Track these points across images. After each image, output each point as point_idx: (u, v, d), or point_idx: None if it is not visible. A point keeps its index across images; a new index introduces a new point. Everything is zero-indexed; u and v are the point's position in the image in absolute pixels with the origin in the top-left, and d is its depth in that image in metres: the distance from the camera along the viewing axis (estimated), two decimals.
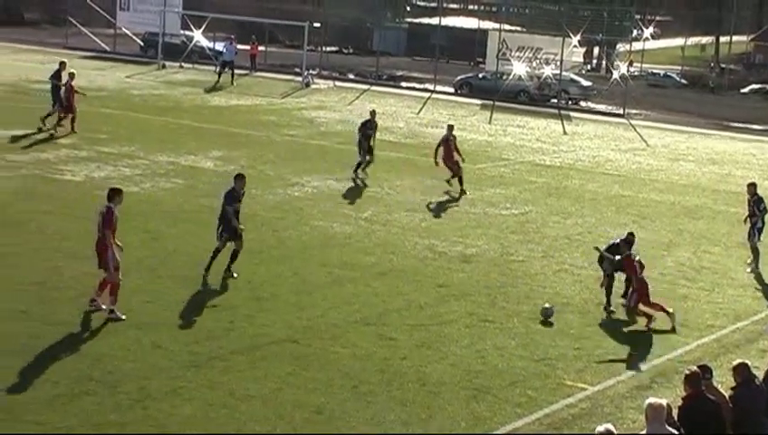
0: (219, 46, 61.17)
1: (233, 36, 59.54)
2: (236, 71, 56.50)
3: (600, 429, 10.73)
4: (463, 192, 29.93)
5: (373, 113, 32.55)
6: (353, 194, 28.73)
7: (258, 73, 61.50)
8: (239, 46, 60.62)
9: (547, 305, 19.30)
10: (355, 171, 30.99)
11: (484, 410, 14.82)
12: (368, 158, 31.42)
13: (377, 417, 14.25)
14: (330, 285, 20.14)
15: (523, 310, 19.56)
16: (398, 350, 16.86)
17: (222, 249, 19.97)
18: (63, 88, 34.22)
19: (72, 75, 34.62)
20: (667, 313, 19.38)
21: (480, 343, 17.58)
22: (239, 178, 20.45)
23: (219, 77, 54.68)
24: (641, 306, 19.34)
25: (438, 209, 27.79)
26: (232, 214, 20.04)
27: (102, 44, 67.55)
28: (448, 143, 30.75)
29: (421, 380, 15.68)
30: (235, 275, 19.92)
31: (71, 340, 16.04)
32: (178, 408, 13.95)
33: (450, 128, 31.30)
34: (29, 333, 16.11)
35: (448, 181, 30.57)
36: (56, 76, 34.90)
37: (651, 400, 11.41)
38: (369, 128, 31.73)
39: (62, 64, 35.53)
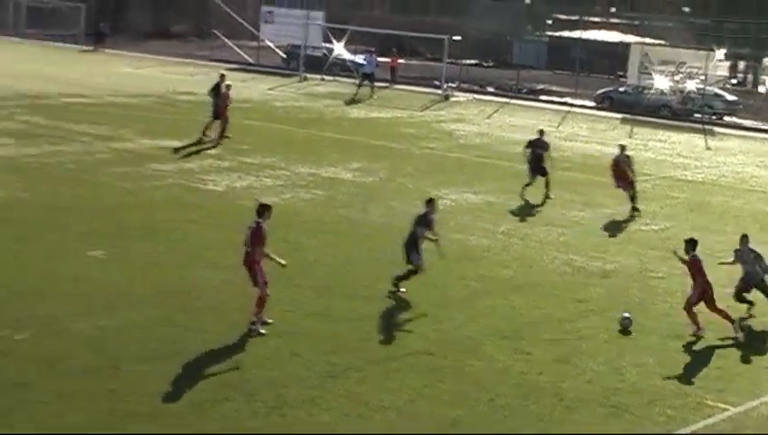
0: (359, 59, 61.72)
1: (373, 49, 59.97)
2: (377, 83, 56.87)
3: None
4: (635, 210, 29.08)
5: (542, 132, 31.22)
6: (491, 207, 28.66)
7: (398, 86, 61.82)
8: (379, 59, 61.09)
9: (626, 315, 18.97)
10: (523, 188, 30.09)
11: (621, 428, 14.62)
12: (537, 178, 30.19)
13: (512, 431, 14.18)
14: (466, 298, 20.14)
15: (663, 327, 19.24)
16: (535, 364, 16.76)
17: (419, 271, 19.89)
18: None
19: (228, 87, 36.20)
20: (732, 321, 18.86)
21: (618, 359, 17.36)
22: (430, 202, 20.27)
23: (358, 89, 55.11)
24: (699, 309, 18.71)
25: (577, 224, 27.54)
26: (420, 236, 19.91)
27: (246, 57, 68.85)
28: (619, 164, 29.73)
29: (558, 395, 15.56)
30: (403, 290, 19.87)
31: (211, 347, 16.37)
32: (315, 417, 14.11)
33: (622, 148, 30.35)
34: (172, 340, 16.51)
35: (634, 209, 29.29)
36: (216, 89, 36.17)
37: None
38: (537, 147, 30.65)
39: (222, 77, 36.81)
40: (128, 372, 15.09)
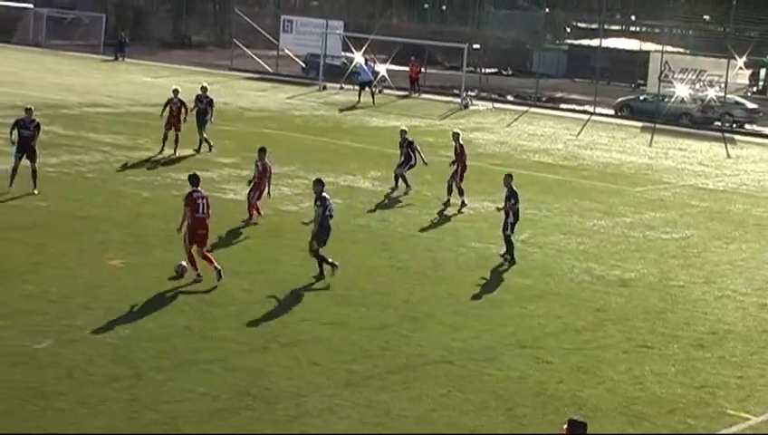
0: (380, 68, 62.00)
1: (368, 57, 60.29)
2: (397, 92, 56.88)
3: None
4: None
5: None
6: None
7: (416, 94, 61.81)
8: (398, 68, 61.12)
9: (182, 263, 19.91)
10: None
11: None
12: None
13: None
14: (485, 307, 20.09)
15: (683, 336, 19.16)
16: (554, 373, 16.70)
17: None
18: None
19: (175, 91, 34.39)
20: None
21: (638, 368, 17.29)
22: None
23: (359, 98, 55.33)
24: None
25: (596, 232, 27.46)
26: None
27: (265, 66, 69.03)
28: None
29: (577, 404, 15.50)
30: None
31: (230, 355, 16.37)
32: (334, 425, 14.10)
33: None
34: (191, 348, 16.52)
35: None
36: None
37: None
38: None
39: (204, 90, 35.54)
40: (147, 380, 15.11)
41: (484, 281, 21.80)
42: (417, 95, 61.81)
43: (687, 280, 23.25)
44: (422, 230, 25.93)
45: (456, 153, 29.98)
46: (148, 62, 69.68)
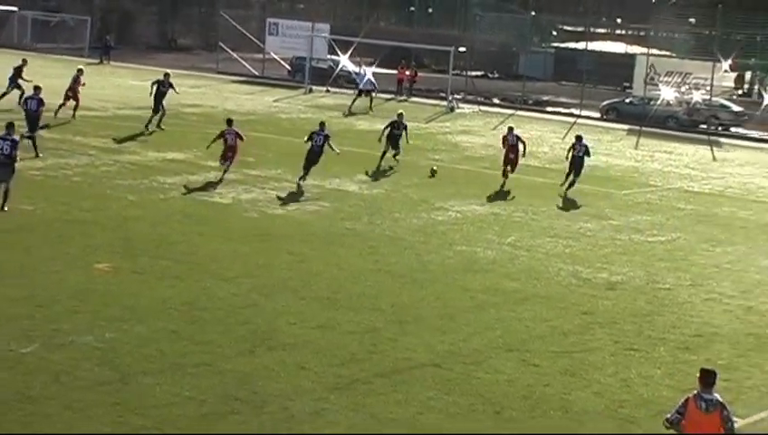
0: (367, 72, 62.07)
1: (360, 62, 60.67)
2: (384, 95, 56.80)
3: None
4: None
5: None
6: (497, 219, 28.63)
7: (402, 97, 61.81)
8: (385, 71, 61.04)
9: None
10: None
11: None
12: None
13: None
14: (472, 310, 20.10)
15: (670, 339, 19.20)
16: (542, 377, 16.72)
17: None
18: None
19: (80, 70, 41.70)
20: None
21: (625, 371, 17.31)
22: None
23: (353, 102, 55.29)
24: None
25: (583, 235, 27.49)
26: None
27: (252, 69, 68.93)
28: None
29: (565, 407, 15.51)
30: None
31: (218, 359, 16.34)
32: (321, 429, 14.08)
33: None
34: (178, 352, 16.49)
35: None
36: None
37: None
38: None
39: (167, 75, 41.12)
40: (134, 384, 15.07)
41: (472, 284, 21.81)
42: (403, 98, 61.79)
43: (674, 283, 23.30)
44: (409, 233, 25.93)
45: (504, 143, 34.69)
46: (134, 66, 69.46)
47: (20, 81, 41.79)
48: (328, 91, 62.45)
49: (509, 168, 33.94)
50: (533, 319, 19.79)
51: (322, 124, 32.70)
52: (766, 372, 17.81)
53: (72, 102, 40.69)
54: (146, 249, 22.39)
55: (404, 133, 36.42)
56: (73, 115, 40.43)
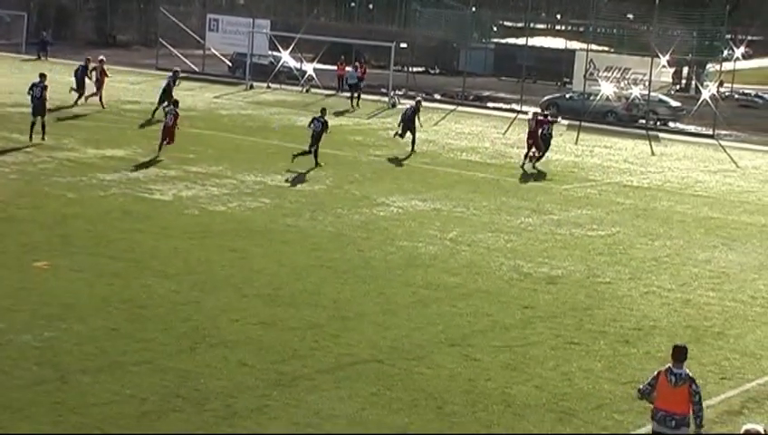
0: (308, 67, 62.06)
1: (357, 62, 60.73)
2: (322, 91, 56.84)
3: (749, 427, 10.90)
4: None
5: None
6: (438, 214, 28.71)
7: (344, 93, 61.74)
8: (327, 67, 61.01)
9: None
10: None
11: (569, 433, 14.68)
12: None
13: None
14: (414, 306, 20.14)
15: (610, 332, 19.37)
16: (483, 371, 16.79)
17: None
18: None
19: (102, 61, 47.06)
20: None
21: (566, 365, 17.44)
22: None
23: (351, 101, 55.97)
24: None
25: (524, 230, 27.65)
26: None
27: (192, 65, 68.50)
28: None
29: (506, 401, 15.60)
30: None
31: (158, 357, 16.23)
32: (264, 426, 14.04)
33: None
34: (119, 350, 16.35)
35: None
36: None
37: (749, 426, 11.23)
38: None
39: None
40: (74, 383, 14.92)
41: (414, 280, 21.85)
42: (342, 94, 61.75)
43: (614, 277, 23.51)
44: (351, 229, 25.92)
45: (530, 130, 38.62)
46: (72, 62, 68.59)
47: None
48: (269, 87, 62.29)
49: (533, 151, 38.62)
50: (475, 314, 19.87)
51: (323, 111, 35.69)
52: (703, 364, 18.00)
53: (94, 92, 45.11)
54: (85, 247, 22.19)
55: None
56: (101, 104, 45.28)
